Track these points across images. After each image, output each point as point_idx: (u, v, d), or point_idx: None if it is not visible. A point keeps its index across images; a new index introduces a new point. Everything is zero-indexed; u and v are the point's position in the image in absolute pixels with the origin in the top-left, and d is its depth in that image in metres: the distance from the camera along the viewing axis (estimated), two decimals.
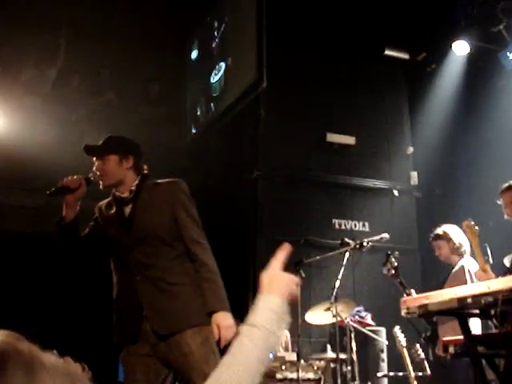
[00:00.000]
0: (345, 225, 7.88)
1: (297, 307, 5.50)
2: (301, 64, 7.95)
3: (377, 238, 5.48)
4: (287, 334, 6.47)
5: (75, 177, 3.25)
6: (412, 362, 5.40)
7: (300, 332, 5.53)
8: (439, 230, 5.28)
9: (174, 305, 3.13)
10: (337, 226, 7.84)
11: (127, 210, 3.30)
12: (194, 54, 9.19)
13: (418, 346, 5.40)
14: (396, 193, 8.22)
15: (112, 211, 3.33)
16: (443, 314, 3.92)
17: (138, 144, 3.45)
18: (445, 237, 5.23)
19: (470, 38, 7.31)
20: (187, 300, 3.15)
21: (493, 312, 3.07)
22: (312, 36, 7.96)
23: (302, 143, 7.91)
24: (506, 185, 4.52)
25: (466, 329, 3.35)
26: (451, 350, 3.54)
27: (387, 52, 8.18)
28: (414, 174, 8.36)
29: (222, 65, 8.08)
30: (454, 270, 5.15)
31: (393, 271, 4.71)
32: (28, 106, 7.75)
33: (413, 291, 4.76)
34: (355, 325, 5.99)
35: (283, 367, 5.34)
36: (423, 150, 8.22)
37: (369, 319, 6.74)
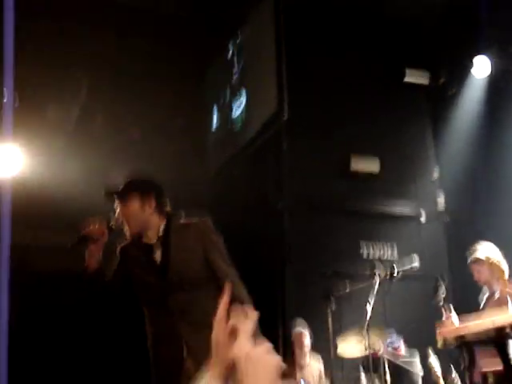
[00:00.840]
0: (373, 253, 7.78)
1: (328, 340, 5.41)
2: (322, 93, 7.94)
3: (407, 267, 5.38)
4: (321, 367, 6.33)
5: (97, 226, 3.16)
6: None
7: (333, 366, 5.42)
8: (480, 254, 4.98)
9: None
10: (365, 255, 7.74)
11: (157, 255, 3.21)
12: (213, 89, 9.23)
13: (454, 374, 5.25)
14: (423, 218, 8.12)
15: (141, 257, 3.25)
16: (481, 344, 3.81)
17: (159, 184, 3.35)
18: (486, 261, 4.94)
19: (489, 59, 7.28)
20: None
21: None
22: (333, 64, 7.97)
23: (326, 172, 7.86)
24: None
25: (505, 358, 3.25)
26: (491, 380, 3.44)
27: (407, 79, 8.16)
28: (441, 199, 8.25)
29: (243, 99, 8.11)
30: (496, 297, 4.94)
31: (442, 300, 4.60)
32: (52, 145, 7.81)
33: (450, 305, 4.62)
34: (388, 357, 5.87)
35: None
36: (450, 173, 8.13)
37: (402, 350, 6.58)
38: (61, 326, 7.36)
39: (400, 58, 8.20)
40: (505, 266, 4.92)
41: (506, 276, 4.91)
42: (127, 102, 8.74)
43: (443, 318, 4.50)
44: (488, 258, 4.95)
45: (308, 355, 6.27)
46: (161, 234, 3.21)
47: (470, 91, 7.79)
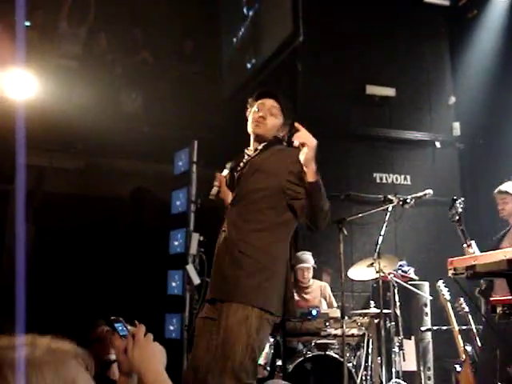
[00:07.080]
0: (386, 178, 7.76)
1: (340, 264, 5.49)
2: (338, 14, 7.72)
3: (420, 194, 5.38)
4: (329, 290, 6.41)
5: (216, 182, 3.37)
6: (455, 316, 5.39)
7: (343, 288, 5.51)
8: (508, 187, 5.07)
9: (234, 273, 3.04)
10: (378, 180, 7.72)
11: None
12: (227, 10, 9.00)
13: (461, 299, 5.36)
14: (438, 144, 8.05)
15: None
16: (492, 276, 3.85)
17: (291, 111, 3.51)
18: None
19: None
20: (247, 274, 3.03)
21: None
22: None
23: (341, 96, 7.74)
24: None
25: None
26: (499, 310, 3.48)
27: None
28: (457, 125, 8.15)
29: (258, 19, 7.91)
30: None
31: (457, 217, 4.61)
32: (64, 68, 7.73)
33: (473, 243, 4.64)
34: (398, 280, 5.97)
35: (327, 324, 5.35)
36: (466, 99, 7.98)
37: (412, 274, 6.70)
38: (72, 245, 7.48)
39: None
40: None
41: None
42: (138, 23, 8.59)
43: (464, 245, 4.58)
44: None
45: (310, 283, 6.33)
46: (260, 147, 3.32)
47: (491, 14, 7.56)
